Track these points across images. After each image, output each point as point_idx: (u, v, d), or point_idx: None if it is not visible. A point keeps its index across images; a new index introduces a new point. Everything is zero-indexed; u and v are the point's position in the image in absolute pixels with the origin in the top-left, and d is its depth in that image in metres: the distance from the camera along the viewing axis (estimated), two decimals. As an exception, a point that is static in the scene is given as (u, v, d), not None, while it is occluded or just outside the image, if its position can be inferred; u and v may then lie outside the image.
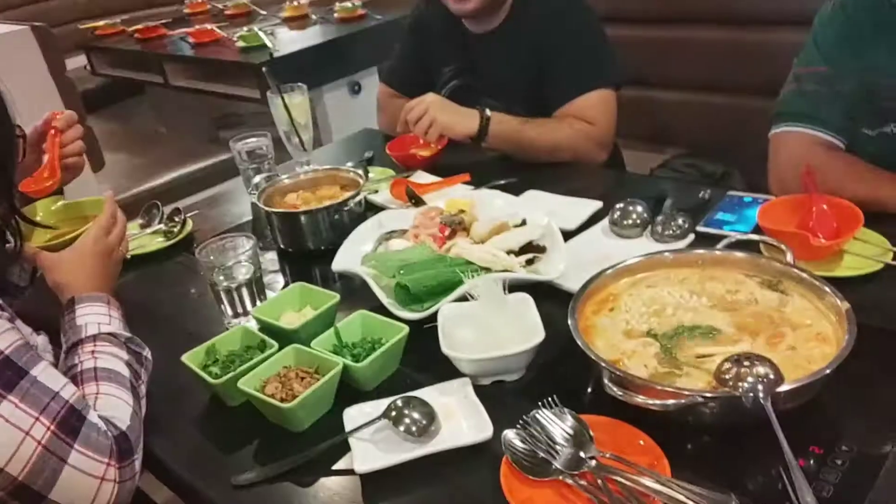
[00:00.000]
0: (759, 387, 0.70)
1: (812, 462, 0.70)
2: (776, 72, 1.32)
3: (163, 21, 3.55)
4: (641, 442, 0.73)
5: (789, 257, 0.91)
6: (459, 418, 0.82)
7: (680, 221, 1.12)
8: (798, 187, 1.10)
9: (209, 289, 1.10)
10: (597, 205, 1.25)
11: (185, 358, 0.94)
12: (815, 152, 1.19)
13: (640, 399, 0.73)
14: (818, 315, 0.83)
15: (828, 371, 0.72)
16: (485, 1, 1.55)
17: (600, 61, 1.56)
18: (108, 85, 3.77)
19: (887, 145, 1.20)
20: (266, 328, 1.00)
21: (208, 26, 3.20)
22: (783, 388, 0.71)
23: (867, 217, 1.02)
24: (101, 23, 3.65)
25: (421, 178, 1.44)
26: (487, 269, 1.02)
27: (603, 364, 0.77)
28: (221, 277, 1.07)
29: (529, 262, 1.06)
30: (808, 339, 0.80)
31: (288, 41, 3.05)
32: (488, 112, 1.47)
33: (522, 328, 0.89)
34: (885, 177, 1.12)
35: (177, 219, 1.41)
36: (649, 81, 2.01)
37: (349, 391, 0.89)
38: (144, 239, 1.38)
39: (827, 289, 0.83)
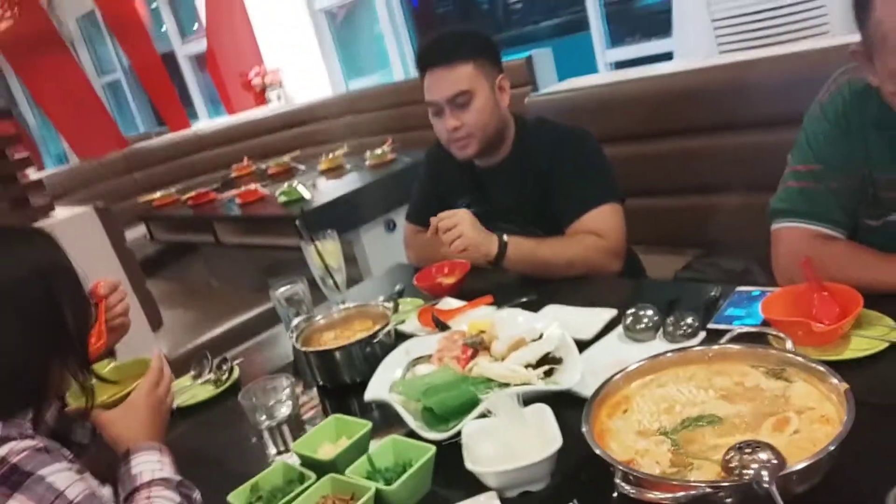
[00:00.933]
0: (763, 472, 0.73)
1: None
2: (779, 168, 1.39)
3: (213, 187, 3.88)
4: (661, 538, 0.75)
5: (789, 345, 0.95)
6: (488, 532, 0.85)
7: (690, 321, 1.17)
8: (801, 278, 1.15)
9: (251, 429, 1.18)
10: (611, 312, 1.31)
11: (231, 497, 1.00)
12: (814, 244, 1.24)
13: (651, 495, 0.77)
14: (821, 398, 0.86)
15: (831, 449, 0.74)
16: (481, 146, 1.71)
17: (602, 179, 1.67)
18: (165, 249, 4.06)
19: (892, 234, 1.24)
20: (306, 461, 1.06)
21: (253, 186, 3.49)
22: (788, 469, 0.73)
23: (872, 299, 1.06)
24: (158, 194, 4.00)
25: (447, 304, 1.53)
26: (507, 385, 1.07)
27: (615, 464, 0.81)
28: (263, 417, 1.15)
29: (547, 373, 1.11)
30: (812, 421, 0.82)
31: (326, 191, 3.30)
32: (505, 237, 1.57)
33: (541, 438, 0.93)
34: (885, 258, 1.16)
35: (224, 367, 1.51)
36: (660, 190, 2.12)
37: (384, 514, 0.94)
38: (196, 389, 1.48)
39: (827, 372, 0.86)
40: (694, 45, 3.12)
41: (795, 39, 2.68)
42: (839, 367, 0.89)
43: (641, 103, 2.16)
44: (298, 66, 5.52)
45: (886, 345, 0.99)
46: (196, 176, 4.68)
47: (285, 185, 3.26)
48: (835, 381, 0.84)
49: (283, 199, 3.17)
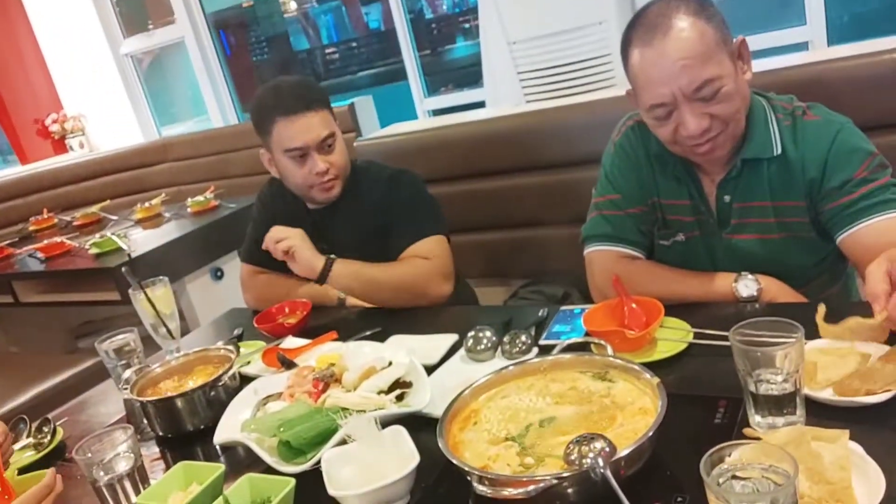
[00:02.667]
0: (599, 459, 0.83)
1: (655, 513, 0.82)
2: (584, 202, 1.58)
3: (7, 241, 3.51)
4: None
5: (610, 350, 1.08)
6: (354, 553, 0.87)
7: (524, 338, 1.28)
8: (613, 294, 1.30)
9: (91, 490, 1.10)
10: (453, 337, 1.39)
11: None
12: (621, 263, 1.42)
13: (507, 492, 0.84)
14: (639, 393, 0.99)
15: (650, 434, 0.86)
16: (342, 186, 1.77)
17: (431, 214, 1.79)
18: (-51, 313, 3.58)
19: (680, 251, 1.45)
20: (154, 513, 1.01)
21: (57, 239, 3.21)
22: (617, 455, 0.84)
23: (671, 308, 1.23)
24: (-61, 251, 3.54)
25: (291, 343, 1.53)
26: (363, 412, 1.11)
27: (471, 470, 0.87)
28: (102, 473, 1.08)
29: (399, 398, 1.16)
30: (633, 414, 0.95)
31: (144, 240, 3.12)
32: (333, 256, 1.66)
33: (399, 457, 0.97)
34: (677, 275, 1.37)
35: (45, 429, 1.39)
36: (482, 226, 2.28)
37: (246, 554, 0.92)
38: (15, 456, 1.34)
39: (641, 370, 1.00)
40: (503, 94, 3.39)
41: (589, 91, 3.02)
42: (651, 367, 1.03)
43: (459, 146, 2.33)
44: (104, 111, 5.19)
45: (686, 345, 1.16)
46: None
47: (97, 235, 3.04)
48: (648, 376, 0.98)
49: (95, 250, 2.95)
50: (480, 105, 3.66)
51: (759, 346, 0.91)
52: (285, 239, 1.67)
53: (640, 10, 1.29)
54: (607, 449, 0.84)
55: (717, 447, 0.74)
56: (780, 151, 1.31)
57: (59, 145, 5.19)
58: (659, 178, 1.44)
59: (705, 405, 1.01)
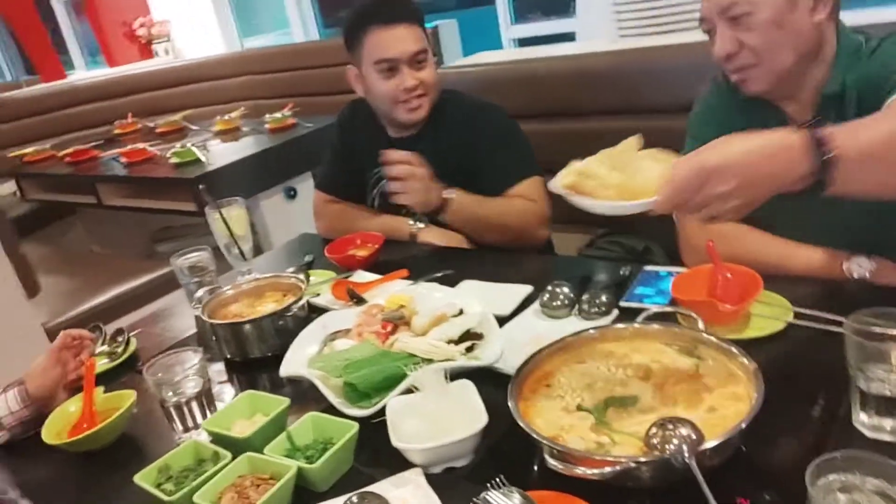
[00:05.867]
0: (684, 447, 0.77)
1: (740, 512, 0.76)
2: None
3: (93, 143, 3.60)
4: (586, 510, 0.78)
5: (700, 324, 1.00)
6: (414, 508, 0.85)
7: (603, 298, 1.21)
8: (706, 258, 1.21)
9: (159, 406, 1.11)
10: (528, 289, 1.33)
11: (137, 478, 0.94)
12: (716, 226, 1.31)
13: (579, 471, 0.79)
14: (731, 376, 0.91)
15: (743, 426, 0.79)
16: (430, 108, 1.71)
17: (529, 153, 1.74)
18: (38, 209, 3.75)
19: (770, 210, 1.32)
20: (218, 439, 1.01)
21: (140, 145, 3.27)
22: (705, 446, 0.77)
23: (771, 280, 1.13)
24: (30, 150, 3.67)
25: (361, 277, 1.50)
26: (430, 360, 1.07)
27: (543, 441, 0.83)
28: (170, 393, 1.09)
29: (469, 349, 1.12)
30: (724, 398, 0.88)
31: (221, 154, 3.14)
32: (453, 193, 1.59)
33: (467, 414, 0.94)
34: (780, 244, 1.25)
35: (120, 339, 1.42)
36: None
37: (306, 493, 0.91)
38: (89, 362, 1.38)
39: (735, 350, 0.92)
40: (595, 26, 3.19)
41: (691, 28, 2.80)
42: (743, 345, 0.95)
43: (546, 82, 2.20)
44: (189, 19, 5.20)
45: (784, 324, 1.07)
46: (71, 131, 4.32)
47: (177, 145, 3.07)
48: (744, 359, 0.90)
49: (175, 159, 2.99)
50: (570, 37, 3.48)
51: (875, 338, 0.82)
52: (407, 164, 1.57)
53: None
54: (693, 437, 0.78)
55: (826, 456, 0.66)
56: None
57: (146, 50, 5.26)
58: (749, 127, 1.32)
59: (802, 395, 0.93)
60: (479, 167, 1.69)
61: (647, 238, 1.94)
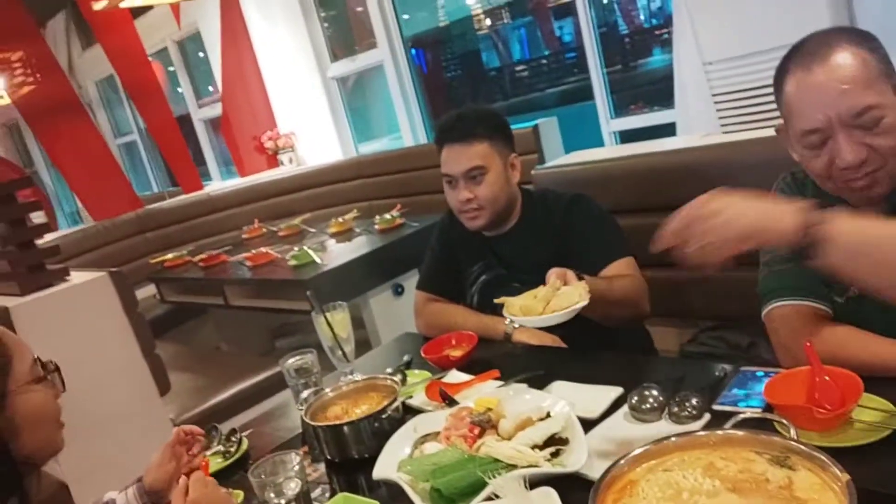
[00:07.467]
0: (769, 567, 0.74)
1: None
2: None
3: (224, 248, 3.93)
4: None
5: (793, 432, 0.97)
6: None
7: (694, 402, 1.19)
8: (804, 358, 1.17)
9: (261, 504, 1.19)
10: (618, 391, 1.32)
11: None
12: (812, 323, 1.26)
13: (658, 588, 0.77)
14: (824, 488, 0.86)
15: (834, 546, 0.75)
16: (491, 218, 1.82)
17: (618, 234, 1.80)
18: (174, 310, 4.10)
19: (855, 308, 1.28)
20: (313, 541, 1.07)
21: (264, 249, 3.54)
22: (791, 565, 0.74)
23: (874, 383, 1.08)
24: (170, 255, 4.06)
25: (454, 377, 1.55)
26: (514, 466, 1.09)
27: (621, 555, 0.82)
28: (272, 495, 1.16)
29: (554, 454, 1.12)
30: (816, 512, 0.83)
31: (336, 254, 3.35)
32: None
33: (548, 523, 0.94)
34: (882, 343, 1.19)
35: (233, 438, 1.52)
36: (666, 262, 2.14)
37: None
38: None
39: (828, 461, 0.87)
40: (695, 117, 3.19)
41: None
42: (841, 454, 0.90)
43: (645, 177, 2.22)
44: (310, 129, 5.66)
45: (889, 431, 1.01)
46: (207, 237, 4.76)
47: (295, 248, 3.30)
48: (836, 471, 0.85)
49: (293, 262, 3.22)
50: (671, 128, 3.49)
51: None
52: (570, 279, 1.52)
53: (799, 41, 1.24)
54: (779, 556, 0.75)
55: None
56: None
57: (273, 160, 5.74)
58: None
59: (907, 509, 0.87)
60: (573, 250, 1.76)
61: (753, 334, 1.87)
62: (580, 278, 1.56)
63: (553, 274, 1.51)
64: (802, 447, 0.92)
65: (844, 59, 1.17)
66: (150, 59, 6.34)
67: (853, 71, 1.16)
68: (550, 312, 1.42)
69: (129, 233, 4.67)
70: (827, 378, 1.10)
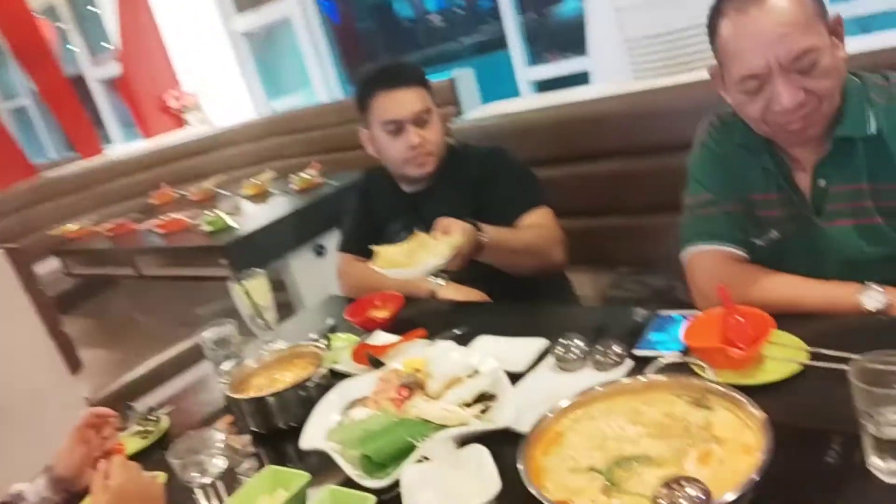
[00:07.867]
0: (691, 508, 0.76)
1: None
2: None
3: (132, 216, 3.73)
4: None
5: (710, 373, 1.00)
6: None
7: (616, 349, 1.21)
8: (718, 300, 1.20)
9: (184, 486, 1.14)
10: (543, 342, 1.33)
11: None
12: (726, 266, 1.31)
13: (588, 536, 0.79)
14: (741, 426, 0.90)
15: (756, 479, 0.78)
16: (437, 164, 1.81)
17: (537, 185, 1.81)
18: (82, 283, 3.89)
19: (775, 249, 1.33)
20: (242, 518, 1.04)
21: (175, 215, 3.38)
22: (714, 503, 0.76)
23: (784, 321, 1.12)
24: (72, 226, 3.82)
25: (380, 338, 1.53)
26: (445, 426, 1.08)
27: (551, 505, 0.83)
28: (196, 474, 1.12)
29: (483, 411, 1.12)
30: (734, 451, 0.86)
31: (253, 217, 3.24)
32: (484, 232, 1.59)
33: (480, 480, 0.94)
34: (791, 281, 1.24)
35: (151, 417, 1.46)
36: (585, 211, 2.18)
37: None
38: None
39: (745, 400, 0.91)
40: (609, 64, 3.22)
41: (706, 61, 2.80)
42: (758, 391, 0.94)
43: (563, 128, 2.23)
44: (218, 87, 5.40)
45: (799, 366, 1.05)
46: (111, 204, 4.49)
47: (209, 212, 3.17)
48: (752, 409, 0.89)
49: (208, 227, 3.09)
50: (585, 76, 3.50)
51: (883, 382, 0.81)
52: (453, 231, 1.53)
53: None
54: (701, 497, 0.77)
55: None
56: (874, 131, 1.21)
57: (178, 121, 5.46)
58: (747, 173, 1.34)
59: (817, 440, 0.91)
60: (489, 203, 1.77)
61: (671, 277, 1.93)
62: (478, 229, 1.57)
63: (438, 224, 1.53)
64: (719, 387, 0.95)
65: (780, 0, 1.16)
66: (35, 16, 5.87)
67: (791, 13, 1.14)
68: (414, 266, 1.47)
69: (24, 204, 4.35)
70: (739, 318, 1.13)
